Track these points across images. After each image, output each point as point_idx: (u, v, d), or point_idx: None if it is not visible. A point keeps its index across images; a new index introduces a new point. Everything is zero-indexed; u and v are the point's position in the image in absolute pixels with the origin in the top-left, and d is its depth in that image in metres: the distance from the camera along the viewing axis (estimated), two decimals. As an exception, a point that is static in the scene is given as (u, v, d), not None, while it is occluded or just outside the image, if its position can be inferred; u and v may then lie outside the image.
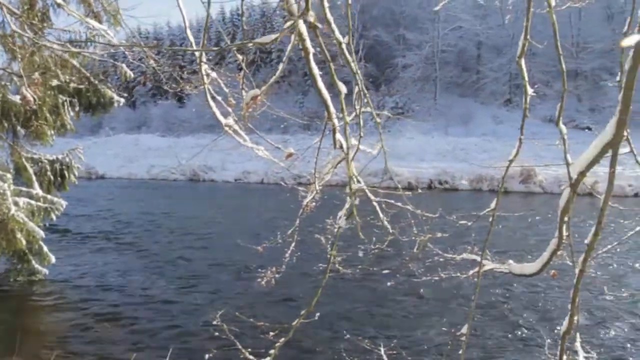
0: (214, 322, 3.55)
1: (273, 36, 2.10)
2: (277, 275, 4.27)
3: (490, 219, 2.44)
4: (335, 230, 3.08)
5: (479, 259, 3.47)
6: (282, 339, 2.87)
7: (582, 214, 12.21)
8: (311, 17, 2.08)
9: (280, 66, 2.43)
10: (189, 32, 3.58)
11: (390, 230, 4.39)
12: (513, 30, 45.87)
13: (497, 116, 43.08)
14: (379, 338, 6.11)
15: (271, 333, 3.03)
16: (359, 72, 3.89)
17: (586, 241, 2.56)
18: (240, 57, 3.09)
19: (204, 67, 3.43)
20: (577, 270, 2.64)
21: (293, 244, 4.06)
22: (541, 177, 19.87)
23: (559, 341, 2.88)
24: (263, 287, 4.16)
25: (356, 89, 4.00)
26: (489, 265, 3.40)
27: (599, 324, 6.24)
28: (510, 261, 3.29)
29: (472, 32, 47.10)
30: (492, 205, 2.46)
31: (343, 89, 2.45)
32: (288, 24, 2.07)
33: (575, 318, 2.79)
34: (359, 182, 4.37)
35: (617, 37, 47.70)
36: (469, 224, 2.71)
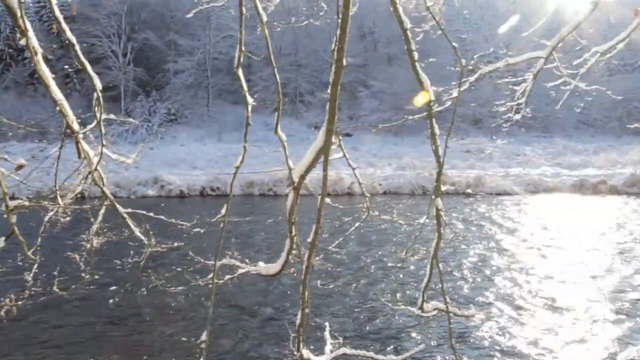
0: None
1: None
2: (19, 303, 3.80)
3: (222, 225, 2.49)
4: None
5: (237, 262, 3.53)
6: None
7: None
8: None
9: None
10: None
11: (146, 242, 4.23)
12: (280, 42, 48.45)
13: (268, 123, 44.98)
14: (125, 355, 5.81)
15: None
16: (97, 80, 3.68)
17: (309, 239, 2.77)
18: None
19: None
20: (304, 267, 2.84)
21: (36, 266, 3.66)
22: (307, 180, 21.25)
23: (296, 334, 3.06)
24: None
25: (95, 95, 3.77)
26: (244, 268, 3.47)
27: (349, 312, 6.89)
28: (260, 263, 3.41)
29: (244, 42, 48.35)
30: (223, 211, 2.51)
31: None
32: None
33: (307, 311, 3.00)
34: (104, 192, 4.11)
35: (369, 54, 53.86)
36: (202, 231, 2.73)
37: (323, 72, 49.74)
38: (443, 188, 3.06)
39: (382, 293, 7.41)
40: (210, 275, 2.69)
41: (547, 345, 5.77)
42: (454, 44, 2.38)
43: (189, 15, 4.56)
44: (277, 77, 2.26)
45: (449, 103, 4.11)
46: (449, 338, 3.32)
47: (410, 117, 2.81)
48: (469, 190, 19.76)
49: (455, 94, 4.02)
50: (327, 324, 5.00)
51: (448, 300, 3.13)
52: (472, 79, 4.33)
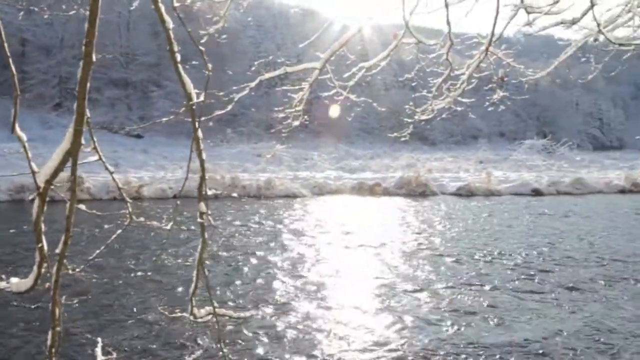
0: None
1: None
2: None
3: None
4: None
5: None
6: None
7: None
8: None
9: None
10: None
11: None
12: (63, 32, 44.27)
13: (47, 121, 40.84)
14: None
15: None
16: None
17: (57, 250, 2.53)
18: None
19: None
20: (52, 281, 2.58)
21: None
22: (88, 184, 19.74)
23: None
24: None
25: None
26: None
27: (122, 325, 6.52)
28: (13, 278, 3.02)
29: (16, 27, 42.98)
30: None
31: None
32: None
33: (59, 329, 2.74)
34: None
35: (162, 52, 51.99)
36: None
37: (112, 68, 46.74)
38: (210, 192, 3.05)
39: (157, 302, 7.15)
40: None
41: (324, 341, 6.12)
42: (201, 48, 2.38)
43: None
44: (13, 67, 2.00)
45: (229, 107, 4.14)
46: (219, 341, 3.32)
47: (164, 119, 2.74)
48: (234, 194, 20.11)
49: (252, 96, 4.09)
50: (99, 339, 4.65)
51: (216, 304, 3.13)
52: (252, 84, 4.43)
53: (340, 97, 5.42)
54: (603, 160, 50.01)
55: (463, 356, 5.66)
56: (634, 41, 3.94)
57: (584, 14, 3.59)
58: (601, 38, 3.91)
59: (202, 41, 5.10)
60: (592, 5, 3.24)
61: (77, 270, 3.24)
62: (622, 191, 28.92)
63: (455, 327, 6.59)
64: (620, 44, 3.84)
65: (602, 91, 71.35)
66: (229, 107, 4.09)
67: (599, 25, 3.29)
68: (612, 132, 72.46)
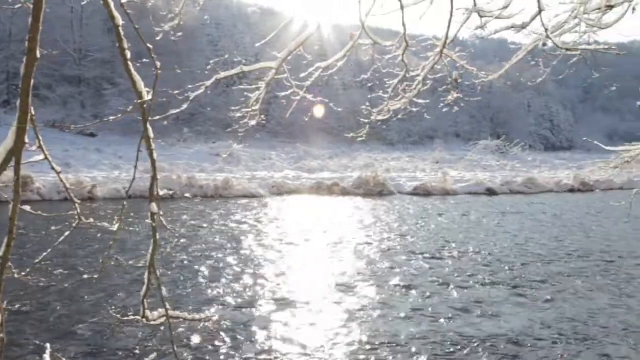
0: None
1: None
2: None
3: None
4: None
5: None
6: None
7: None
8: None
9: None
10: None
11: None
12: (10, 25, 42.74)
13: (-1, 119, 39.36)
14: None
15: None
16: None
17: (0, 253, 2.44)
18: None
19: None
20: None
21: None
22: (39, 184, 19.08)
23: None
24: None
25: None
26: None
27: (73, 330, 6.33)
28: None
29: (-41, 21, 41.26)
30: None
31: None
32: None
33: (2, 335, 2.64)
34: None
35: (116, 49, 50.40)
36: None
37: (64, 65, 45.30)
38: (165, 192, 2.99)
39: (108, 305, 6.96)
40: None
41: (283, 342, 6.10)
42: (149, 45, 2.33)
43: None
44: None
45: (185, 106, 4.06)
46: (172, 344, 3.26)
47: (111, 117, 2.67)
48: (187, 195, 19.74)
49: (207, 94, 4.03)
50: (47, 345, 4.50)
51: (169, 306, 3.07)
52: (208, 83, 4.36)
53: (297, 97, 5.40)
54: (553, 161, 51.74)
55: (450, 349, 5.74)
56: (580, 46, 4.08)
57: (533, 18, 3.69)
58: (549, 43, 4.02)
59: (158, 38, 4.99)
60: (540, 10, 3.33)
61: (23, 273, 3.12)
62: (572, 190, 29.98)
63: (431, 321, 6.68)
64: (567, 49, 3.96)
65: (552, 94, 73.72)
66: (185, 106, 4.02)
67: (546, 30, 3.39)
68: (562, 133, 74.90)
